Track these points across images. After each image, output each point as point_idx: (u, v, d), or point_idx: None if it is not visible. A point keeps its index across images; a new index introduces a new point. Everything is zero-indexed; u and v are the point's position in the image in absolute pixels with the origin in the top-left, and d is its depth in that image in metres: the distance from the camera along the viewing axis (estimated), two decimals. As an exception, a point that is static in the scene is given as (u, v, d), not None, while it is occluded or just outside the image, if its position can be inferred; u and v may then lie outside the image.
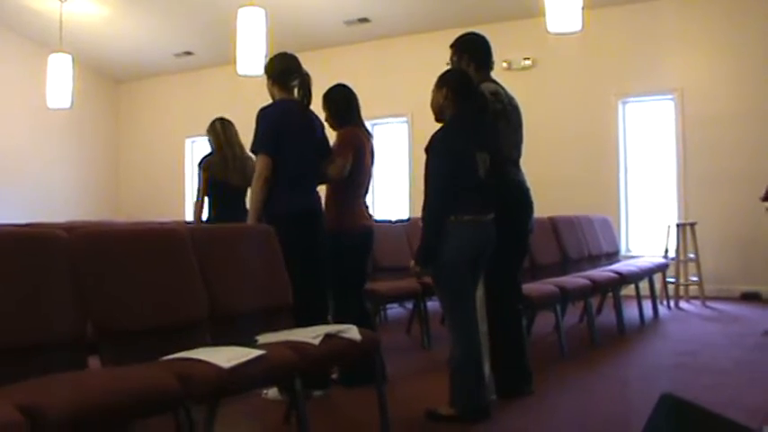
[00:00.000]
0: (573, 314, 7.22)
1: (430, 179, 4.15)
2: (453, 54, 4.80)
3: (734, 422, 1.88)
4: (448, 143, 4.16)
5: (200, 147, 12.22)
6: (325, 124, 5.06)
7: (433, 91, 4.34)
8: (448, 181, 4.10)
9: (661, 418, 1.90)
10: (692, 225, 9.19)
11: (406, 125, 11.97)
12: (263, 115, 4.69)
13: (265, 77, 4.90)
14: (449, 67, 4.69)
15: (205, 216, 6.05)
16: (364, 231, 5.19)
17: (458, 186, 4.11)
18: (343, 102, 5.27)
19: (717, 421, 1.88)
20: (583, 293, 6.43)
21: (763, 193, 6.70)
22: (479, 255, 4.24)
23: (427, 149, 4.20)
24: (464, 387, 4.12)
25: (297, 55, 4.84)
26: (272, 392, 4.51)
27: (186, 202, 12.79)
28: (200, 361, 2.94)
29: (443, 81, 4.33)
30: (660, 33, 10.23)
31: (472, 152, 4.18)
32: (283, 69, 4.84)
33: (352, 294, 5.14)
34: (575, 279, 6.51)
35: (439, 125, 4.29)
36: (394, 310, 8.27)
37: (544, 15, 7.41)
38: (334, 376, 5.03)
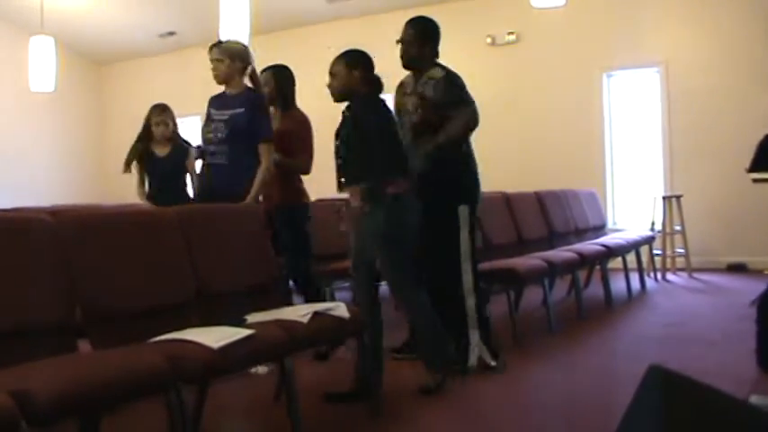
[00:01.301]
0: (561, 288, 7.25)
1: (370, 142, 4.20)
2: (416, 38, 4.90)
3: (722, 392, 1.89)
4: (373, 112, 4.32)
5: (184, 127, 12.18)
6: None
7: (341, 72, 4.35)
8: (385, 142, 4.26)
9: (649, 389, 1.91)
10: (678, 197, 9.22)
11: (389, 100, 11.91)
12: (265, 104, 4.92)
13: (230, 60, 4.93)
14: (399, 46, 4.96)
15: None
16: (306, 208, 5.44)
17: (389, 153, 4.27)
18: (292, 83, 5.47)
19: (705, 392, 1.89)
20: (570, 267, 6.45)
21: (748, 164, 6.71)
22: (414, 226, 4.31)
23: (355, 121, 4.27)
24: (436, 350, 4.25)
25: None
26: (261, 368, 4.53)
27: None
28: (189, 342, 2.94)
29: (355, 62, 4.37)
30: (644, 5, 10.20)
31: (394, 125, 4.45)
32: (247, 58, 4.97)
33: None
34: (562, 253, 6.53)
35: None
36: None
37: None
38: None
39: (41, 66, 10.51)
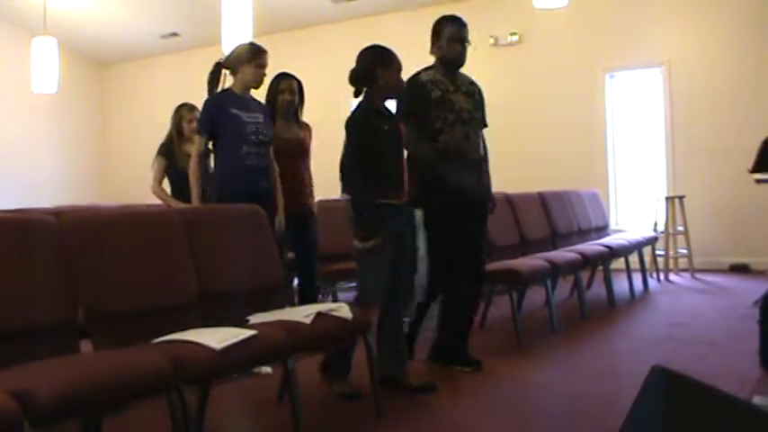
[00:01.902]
0: (563, 288, 7.25)
1: None
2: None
3: (725, 393, 1.89)
4: None
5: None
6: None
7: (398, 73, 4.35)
8: None
9: (652, 390, 1.91)
10: (681, 198, 9.21)
11: (392, 102, 11.93)
12: None
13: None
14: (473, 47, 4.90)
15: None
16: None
17: None
18: None
19: (708, 392, 1.89)
20: (573, 267, 6.45)
21: (751, 164, 6.71)
22: None
23: None
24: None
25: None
26: (265, 368, 4.50)
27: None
28: (191, 342, 2.94)
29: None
30: (647, 5, 10.19)
31: None
32: None
33: None
34: (565, 253, 6.52)
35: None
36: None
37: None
38: None
39: (44, 67, 10.52)
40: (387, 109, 4.39)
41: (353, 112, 4.25)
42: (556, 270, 6.04)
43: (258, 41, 5.08)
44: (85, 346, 3.13)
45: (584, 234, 7.84)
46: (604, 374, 4.70)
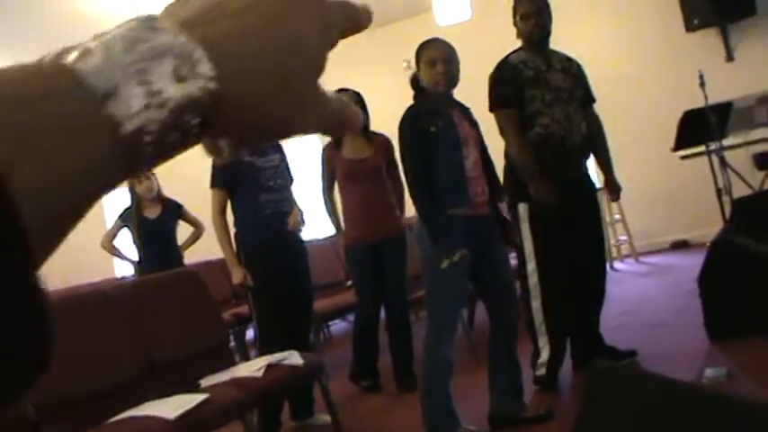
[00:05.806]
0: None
1: None
2: (549, 11, 4.89)
3: (665, 378, 1.94)
4: None
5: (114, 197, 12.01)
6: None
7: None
8: None
9: (595, 386, 1.96)
10: (613, 187, 9.37)
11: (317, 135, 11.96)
12: None
13: None
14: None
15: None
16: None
17: None
18: None
19: (649, 380, 1.94)
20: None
21: (673, 143, 6.87)
22: None
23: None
24: None
25: None
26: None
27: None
28: (146, 417, 2.92)
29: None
30: (554, 7, 10.39)
31: None
32: None
33: None
34: (510, 261, 6.55)
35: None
36: (338, 325, 8.25)
37: (432, 10, 7.52)
38: None
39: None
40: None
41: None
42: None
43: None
44: (41, 440, 3.09)
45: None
46: (560, 373, 4.73)
